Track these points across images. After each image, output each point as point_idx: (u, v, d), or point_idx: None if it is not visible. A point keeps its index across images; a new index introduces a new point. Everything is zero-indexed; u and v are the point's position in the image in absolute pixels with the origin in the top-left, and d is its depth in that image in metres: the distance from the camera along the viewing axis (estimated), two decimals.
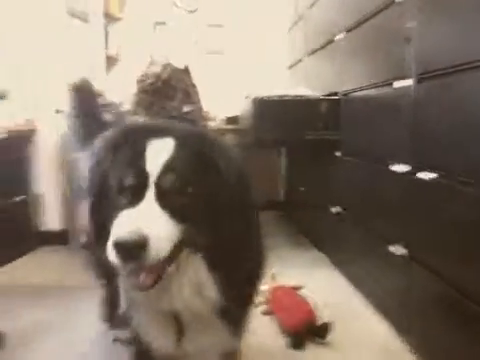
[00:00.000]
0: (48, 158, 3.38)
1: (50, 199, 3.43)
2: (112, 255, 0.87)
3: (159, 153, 0.99)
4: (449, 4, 1.47)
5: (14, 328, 2.04)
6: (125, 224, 0.88)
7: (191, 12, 4.76)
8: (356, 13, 2.32)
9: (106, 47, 4.41)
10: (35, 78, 3.22)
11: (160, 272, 0.97)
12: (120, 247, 0.85)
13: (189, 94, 3.60)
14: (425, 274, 1.64)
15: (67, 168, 3.30)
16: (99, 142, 1.13)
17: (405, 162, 1.81)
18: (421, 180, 1.66)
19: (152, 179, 0.96)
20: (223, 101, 4.01)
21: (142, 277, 0.95)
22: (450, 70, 1.45)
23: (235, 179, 1.01)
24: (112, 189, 1.00)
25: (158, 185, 0.95)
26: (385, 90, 1.98)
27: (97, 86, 3.84)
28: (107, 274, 1.10)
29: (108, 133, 1.14)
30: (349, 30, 2.47)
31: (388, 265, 1.98)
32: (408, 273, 1.80)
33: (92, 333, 2.02)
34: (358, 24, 2.30)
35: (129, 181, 0.97)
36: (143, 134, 1.03)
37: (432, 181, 1.58)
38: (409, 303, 1.82)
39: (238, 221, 1.00)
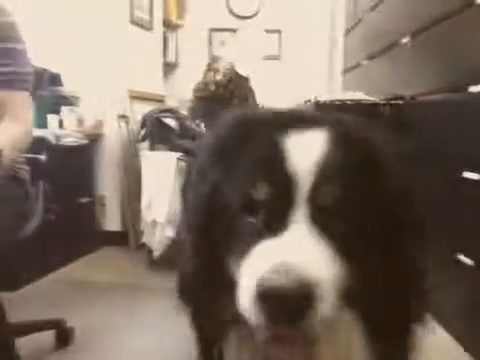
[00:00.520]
0: (111, 161, 3.51)
1: (112, 201, 3.55)
2: (253, 309, 0.56)
3: (307, 151, 0.64)
4: None
5: (82, 324, 2.12)
6: (277, 262, 0.56)
7: (249, 17, 4.81)
8: (426, 16, 2.26)
9: (164, 54, 4.53)
10: (100, 85, 3.36)
11: (311, 342, 0.62)
12: (273, 300, 0.54)
13: (247, 99, 3.65)
14: None
15: (131, 171, 3.42)
16: (200, 146, 0.82)
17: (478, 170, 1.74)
18: None
19: (303, 189, 0.62)
20: (280, 106, 4.02)
21: (290, 348, 0.61)
22: None
23: (407, 200, 0.69)
24: (229, 209, 0.67)
25: (313, 199, 0.62)
26: (458, 95, 1.92)
27: (156, 91, 3.98)
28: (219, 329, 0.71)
29: (211, 131, 0.82)
30: (416, 33, 2.41)
31: (455, 275, 1.91)
32: (476, 284, 1.73)
33: (155, 336, 2.07)
34: (428, 27, 2.24)
35: (263, 193, 0.63)
36: (272, 125, 0.69)
37: None
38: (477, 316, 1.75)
39: (410, 261, 0.67)
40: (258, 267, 0.57)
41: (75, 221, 3.12)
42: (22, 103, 1.46)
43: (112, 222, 3.56)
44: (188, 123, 3.19)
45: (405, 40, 2.56)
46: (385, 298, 0.65)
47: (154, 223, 2.96)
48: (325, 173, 0.63)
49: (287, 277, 0.54)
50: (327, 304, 0.57)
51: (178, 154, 2.88)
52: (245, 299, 0.57)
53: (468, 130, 1.83)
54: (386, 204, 0.65)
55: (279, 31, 4.79)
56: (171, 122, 3.11)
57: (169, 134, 3.05)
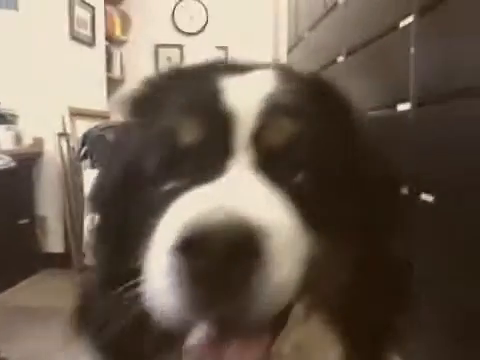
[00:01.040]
0: (52, 180, 3.41)
1: (54, 222, 3.44)
2: (170, 284, 0.39)
3: (253, 87, 0.52)
4: None
5: (18, 355, 2.03)
6: (207, 205, 0.40)
7: (195, 34, 4.84)
8: (357, 37, 2.35)
9: (109, 69, 4.47)
10: (39, 102, 3.27)
11: (268, 345, 0.45)
12: (201, 253, 0.37)
13: None
14: None
15: (73, 190, 3.33)
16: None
17: None
18: None
19: (245, 129, 0.48)
20: None
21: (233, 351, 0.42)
22: None
23: (378, 156, 0.56)
24: (146, 177, 0.50)
25: (258, 140, 0.48)
26: (387, 113, 2.00)
27: (100, 108, 3.91)
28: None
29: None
30: (350, 53, 2.51)
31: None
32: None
33: None
34: (360, 47, 2.33)
35: (190, 136, 0.49)
36: (208, 71, 0.56)
37: None
38: None
39: (391, 238, 0.54)
40: (177, 220, 0.39)
41: (14, 244, 3.00)
42: None
43: (54, 244, 3.44)
44: None
45: (340, 59, 2.65)
46: (363, 290, 0.49)
47: None
48: (274, 109, 0.50)
49: (220, 216, 0.37)
50: (283, 271, 0.40)
51: None
52: (157, 272, 0.39)
53: (395, 145, 1.90)
54: (356, 155, 0.52)
55: (226, 47, 4.85)
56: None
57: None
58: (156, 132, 0.52)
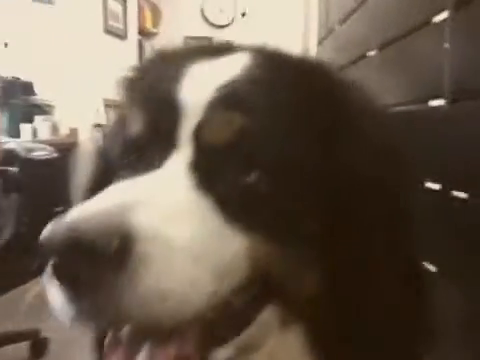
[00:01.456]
0: (86, 169, 3.50)
1: None
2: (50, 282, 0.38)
3: (212, 76, 0.48)
4: None
5: (56, 336, 2.12)
6: (101, 197, 0.39)
7: (225, 27, 4.86)
8: (390, 31, 2.35)
9: (140, 62, 4.54)
10: (75, 93, 3.36)
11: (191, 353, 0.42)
12: (57, 251, 0.36)
13: None
14: None
15: None
16: None
17: None
18: None
19: (189, 123, 0.46)
20: None
21: None
22: None
23: (390, 156, 0.49)
24: (113, 161, 0.52)
25: (199, 135, 0.45)
26: (420, 108, 2.00)
27: None
28: None
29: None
30: (382, 47, 2.51)
31: None
32: None
33: None
34: (392, 42, 2.33)
35: (137, 128, 0.48)
36: (181, 56, 0.54)
37: None
38: None
39: (393, 252, 0.47)
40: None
41: None
42: None
43: None
44: None
45: (372, 53, 2.64)
46: (347, 301, 0.45)
47: None
48: (223, 100, 0.45)
49: (81, 217, 0.35)
50: (162, 276, 0.36)
51: None
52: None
53: (427, 140, 1.91)
54: (345, 160, 0.45)
55: (255, 40, 4.85)
56: None
57: None
58: (119, 120, 0.53)
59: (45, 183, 3.04)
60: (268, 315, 0.45)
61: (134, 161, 0.48)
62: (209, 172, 0.43)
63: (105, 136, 0.60)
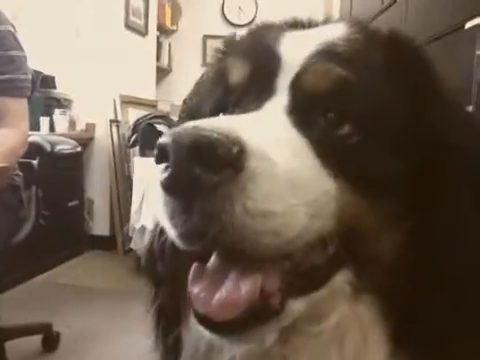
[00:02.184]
0: (102, 165, 3.51)
1: (101, 206, 3.55)
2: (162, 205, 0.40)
3: (310, 37, 0.53)
4: None
5: (69, 329, 2.12)
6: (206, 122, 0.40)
7: (245, 26, 4.84)
8: None
9: (157, 59, 4.54)
10: (93, 88, 3.36)
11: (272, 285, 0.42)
12: (174, 158, 0.37)
13: None
14: None
15: (121, 176, 3.42)
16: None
17: None
18: None
19: (289, 71, 0.49)
20: None
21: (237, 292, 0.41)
22: None
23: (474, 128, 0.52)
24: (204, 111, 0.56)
25: (298, 83, 0.48)
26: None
27: (149, 96, 3.99)
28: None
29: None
30: None
31: None
32: None
33: (141, 341, 2.07)
34: None
35: (238, 75, 0.52)
36: (278, 28, 0.58)
37: None
38: None
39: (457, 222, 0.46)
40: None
41: (63, 225, 3.11)
42: (20, 110, 1.47)
43: (100, 226, 3.55)
44: None
45: None
46: (424, 275, 0.43)
47: (143, 229, 2.96)
48: (321, 55, 0.49)
49: (192, 127, 0.37)
50: (269, 197, 0.38)
51: None
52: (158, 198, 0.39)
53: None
54: (430, 118, 0.47)
55: None
56: (163, 128, 3.12)
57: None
58: (214, 74, 0.57)
59: (63, 177, 3.05)
60: (342, 280, 0.45)
61: (233, 107, 0.51)
62: (306, 118, 0.46)
63: (196, 92, 0.63)
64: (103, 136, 3.47)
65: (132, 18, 3.72)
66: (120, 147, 3.46)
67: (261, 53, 0.52)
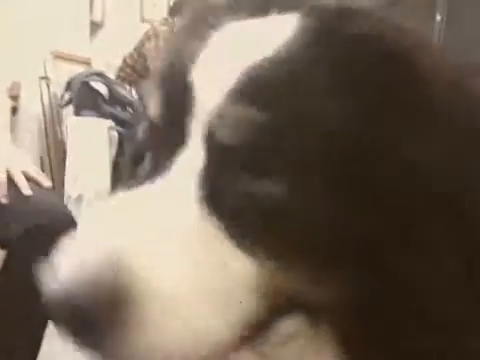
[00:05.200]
0: (30, 128, 3.22)
1: None
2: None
3: (239, 49, 0.37)
4: None
5: None
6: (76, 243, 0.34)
7: None
8: None
9: (91, 13, 4.20)
10: (18, 43, 3.04)
11: None
12: (59, 316, 0.33)
13: None
14: None
15: (52, 139, 3.16)
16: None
17: None
18: None
19: (201, 113, 0.37)
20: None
21: None
22: None
23: None
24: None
25: (212, 130, 0.36)
26: None
27: (82, 53, 3.68)
28: None
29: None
30: None
31: None
32: None
33: None
34: None
35: (153, 110, 0.41)
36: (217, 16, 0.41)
37: None
38: None
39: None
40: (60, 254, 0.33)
41: None
42: None
43: None
44: (119, 89, 2.97)
45: None
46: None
47: (80, 198, 2.77)
48: (240, 95, 0.35)
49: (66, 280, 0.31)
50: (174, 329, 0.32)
51: (109, 122, 2.69)
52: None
53: None
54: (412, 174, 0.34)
55: None
56: (100, 87, 2.89)
57: (97, 99, 2.84)
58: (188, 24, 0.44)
59: None
60: (291, 321, 0.37)
61: (156, 145, 0.40)
62: (221, 180, 0.35)
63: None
64: (31, 95, 3.16)
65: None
66: (51, 107, 3.19)
67: (174, 82, 0.39)
